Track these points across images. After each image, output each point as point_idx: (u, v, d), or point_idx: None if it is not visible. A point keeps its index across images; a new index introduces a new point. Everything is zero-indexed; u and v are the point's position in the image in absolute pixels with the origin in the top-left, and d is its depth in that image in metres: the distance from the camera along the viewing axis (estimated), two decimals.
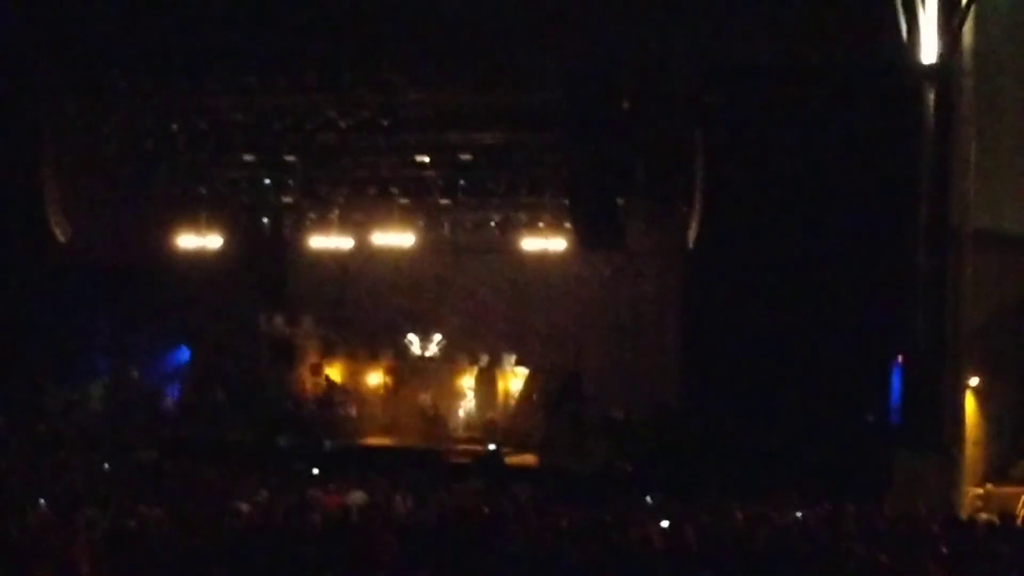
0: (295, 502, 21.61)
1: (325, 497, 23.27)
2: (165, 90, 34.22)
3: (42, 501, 20.85)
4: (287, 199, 40.33)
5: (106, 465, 28.94)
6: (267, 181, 38.84)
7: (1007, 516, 21.07)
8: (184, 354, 40.05)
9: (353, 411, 37.54)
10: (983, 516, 21.72)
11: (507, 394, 37.30)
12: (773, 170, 31.34)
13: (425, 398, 37.12)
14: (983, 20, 28.69)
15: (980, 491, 28.98)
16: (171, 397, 39.06)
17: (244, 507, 20.24)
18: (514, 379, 37.46)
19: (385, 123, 33.90)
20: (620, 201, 34.38)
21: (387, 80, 33.16)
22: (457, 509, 21.53)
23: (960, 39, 28.34)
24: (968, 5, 28.02)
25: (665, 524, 20.16)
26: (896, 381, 30.12)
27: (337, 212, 40.07)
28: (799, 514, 22.31)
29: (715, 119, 32.06)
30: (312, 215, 40.50)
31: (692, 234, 34.17)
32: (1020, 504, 26.62)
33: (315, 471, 29.40)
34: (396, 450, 34.81)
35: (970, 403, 29.27)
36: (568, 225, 35.19)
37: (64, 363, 38.05)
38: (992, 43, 29.00)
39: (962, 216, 28.82)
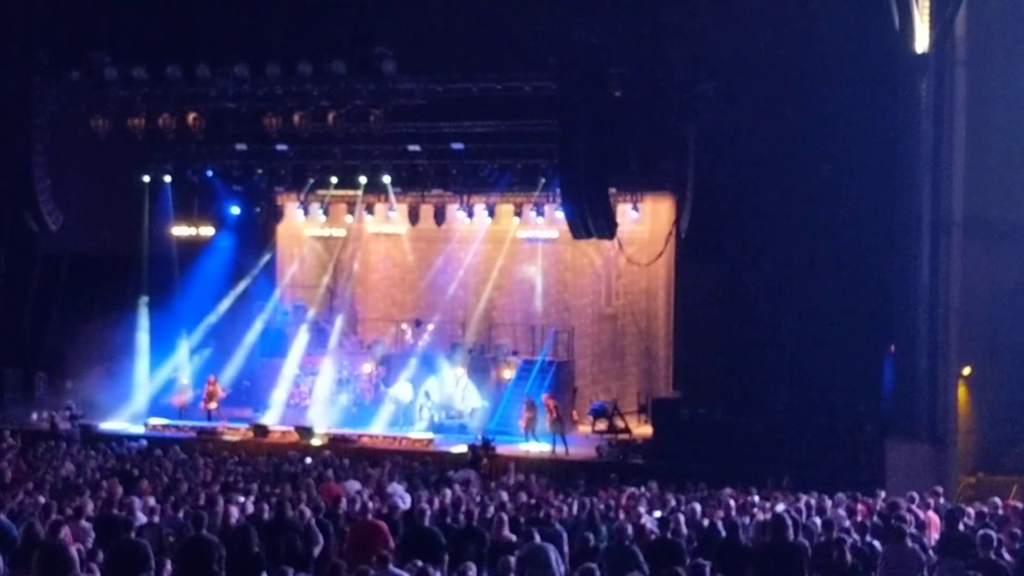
0: (290, 493, 21.64)
1: (323, 487, 23.29)
2: (157, 79, 34.14)
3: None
4: (279, 188, 40.34)
5: (94, 454, 28.97)
6: (259, 170, 38.80)
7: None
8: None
9: None
10: (976, 505, 21.74)
11: (500, 383, 37.23)
12: (766, 160, 31.37)
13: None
14: (975, 10, 28.70)
15: (972, 479, 29.05)
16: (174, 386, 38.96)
17: (239, 498, 20.26)
18: (507, 368, 37.38)
19: (377, 111, 33.83)
20: (612, 190, 34.38)
21: (379, 69, 33.10)
22: (449, 498, 21.58)
23: (953, 29, 28.35)
24: None
25: (658, 514, 20.23)
26: (888, 370, 30.17)
27: (329, 200, 40.07)
28: (791, 502, 22.37)
29: (707, 109, 32.06)
30: (304, 203, 40.48)
31: (684, 223, 34.19)
32: (1012, 492, 26.68)
33: (308, 460, 29.43)
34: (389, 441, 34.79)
35: (962, 392, 29.33)
36: (560, 214, 35.14)
37: (56, 352, 37.95)
38: (984, 33, 29.02)
39: (953, 204, 28.85)
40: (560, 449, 33.61)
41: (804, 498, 22.27)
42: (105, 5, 33.87)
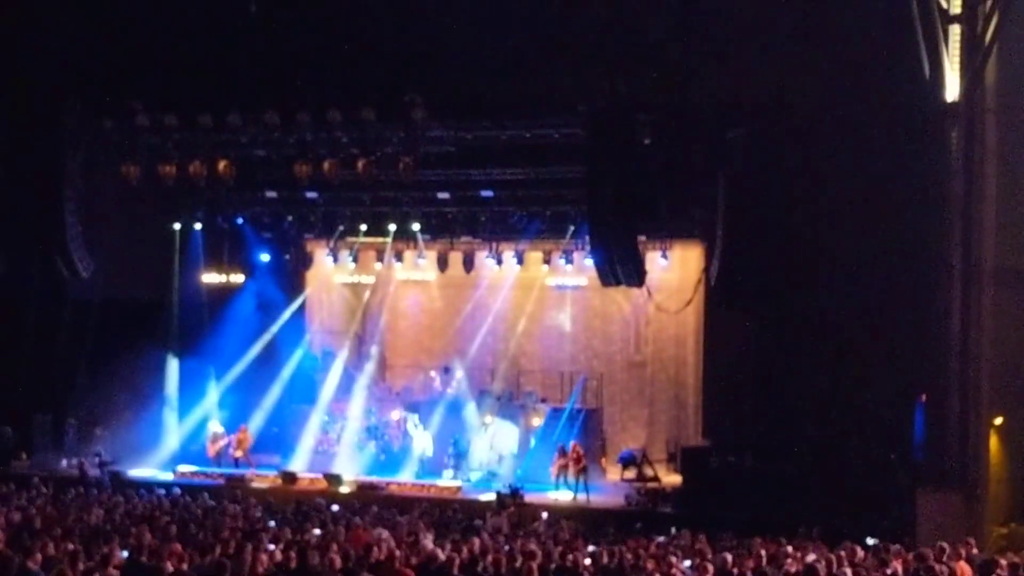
0: (317, 540, 21.59)
1: (352, 534, 23.22)
2: (188, 126, 34.35)
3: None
4: (309, 235, 40.48)
5: (123, 501, 28.94)
6: (289, 218, 38.99)
7: None
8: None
9: None
10: (1008, 555, 21.55)
11: (528, 430, 37.17)
12: (795, 207, 31.30)
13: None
14: (1005, 58, 28.66)
15: (1004, 530, 28.79)
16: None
17: (268, 545, 20.21)
18: (535, 416, 37.30)
19: (406, 159, 33.94)
20: (641, 237, 34.38)
21: (408, 116, 33.23)
22: (478, 546, 21.50)
23: (983, 77, 28.31)
24: (990, 44, 28.00)
25: (687, 563, 20.11)
26: (919, 419, 29.99)
27: (358, 247, 40.18)
28: (822, 552, 22.20)
29: (737, 156, 32.04)
30: (333, 250, 40.57)
31: (713, 271, 34.12)
32: None
33: (335, 508, 29.37)
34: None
35: (994, 441, 29.12)
36: (589, 261, 35.17)
37: (86, 399, 38.02)
38: (1014, 81, 28.97)
39: (984, 253, 28.73)
40: (583, 497, 33.52)
41: (835, 545, 22.11)
42: (138, 53, 34.10)
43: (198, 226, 39.80)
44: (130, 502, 28.81)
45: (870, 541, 23.51)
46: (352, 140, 34.19)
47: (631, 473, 35.20)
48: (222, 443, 37.79)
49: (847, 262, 30.79)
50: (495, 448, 36.85)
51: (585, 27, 32.34)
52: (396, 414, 38.15)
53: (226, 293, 40.64)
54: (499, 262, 39.12)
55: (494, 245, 38.93)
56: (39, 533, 21.49)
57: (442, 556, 18.91)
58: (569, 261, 38.18)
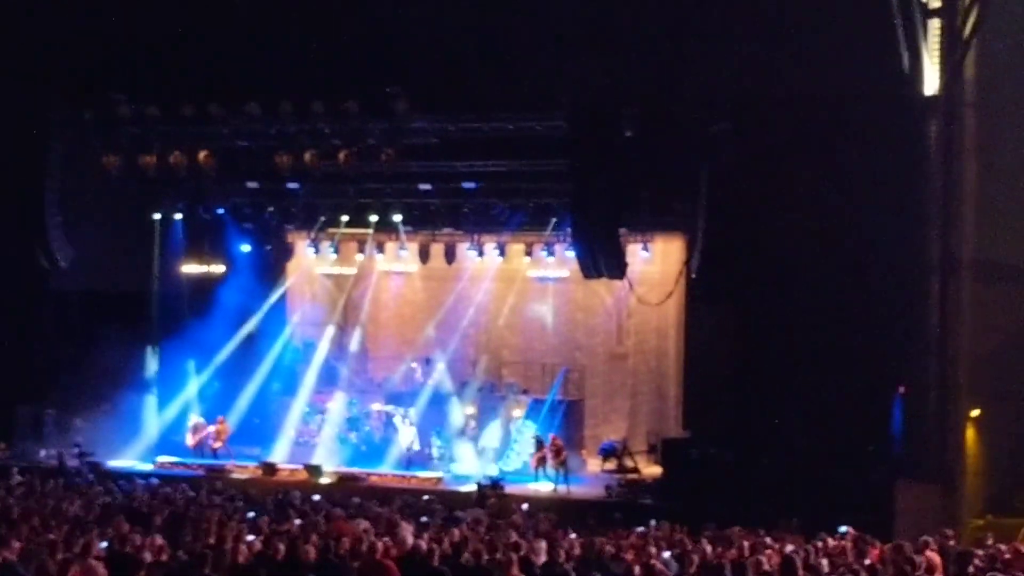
0: (298, 531, 21.60)
1: (332, 525, 23.22)
2: (169, 117, 34.28)
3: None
4: (290, 226, 40.45)
5: (102, 491, 28.90)
6: (270, 208, 38.93)
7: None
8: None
9: None
10: (985, 547, 21.65)
11: (509, 422, 37.21)
12: (776, 201, 31.37)
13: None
14: (984, 53, 28.78)
15: (981, 522, 28.95)
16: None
17: (248, 536, 20.23)
18: (517, 407, 37.34)
19: (389, 150, 33.90)
20: (623, 230, 34.42)
21: (391, 108, 33.21)
22: (458, 537, 21.53)
23: (962, 71, 28.44)
24: (970, 38, 28.13)
25: (667, 554, 20.16)
26: (898, 412, 30.11)
27: (340, 239, 40.14)
28: (799, 543, 22.28)
29: (719, 149, 32.09)
30: (315, 241, 40.56)
31: (695, 264, 34.18)
32: (1021, 535, 26.58)
33: (316, 498, 29.37)
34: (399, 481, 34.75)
35: (971, 434, 29.28)
36: (570, 253, 35.23)
37: (65, 389, 37.92)
38: (993, 75, 29.10)
39: (963, 247, 28.86)
40: (563, 488, 33.61)
41: (813, 537, 22.21)
42: (119, 44, 34.04)
43: (179, 217, 39.69)
44: (109, 493, 28.78)
45: (842, 529, 23.60)
46: (334, 131, 34.15)
47: (612, 464, 35.21)
48: (202, 434, 37.75)
49: (827, 255, 30.87)
50: (476, 440, 36.87)
51: (568, 20, 32.34)
52: (377, 405, 38.17)
53: (207, 284, 40.51)
54: (481, 254, 39.14)
55: (476, 237, 38.96)
56: (17, 523, 21.48)
57: (423, 547, 18.93)
58: (551, 253, 38.22)
